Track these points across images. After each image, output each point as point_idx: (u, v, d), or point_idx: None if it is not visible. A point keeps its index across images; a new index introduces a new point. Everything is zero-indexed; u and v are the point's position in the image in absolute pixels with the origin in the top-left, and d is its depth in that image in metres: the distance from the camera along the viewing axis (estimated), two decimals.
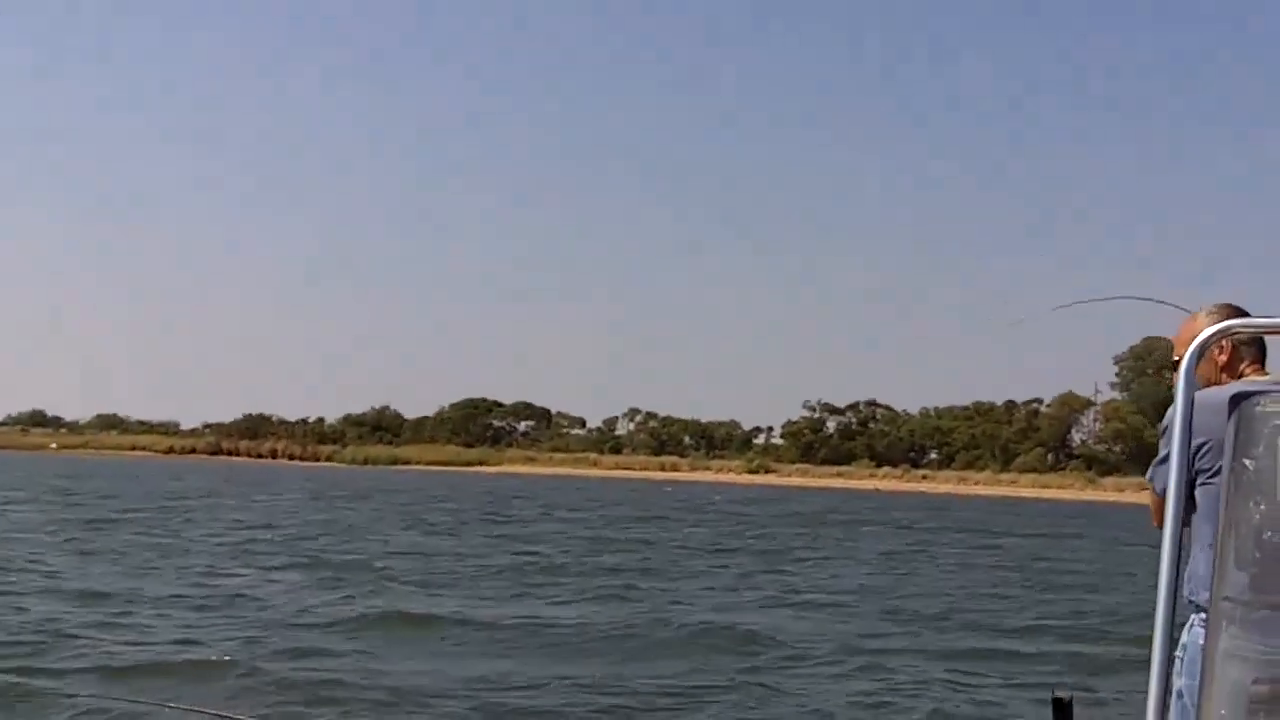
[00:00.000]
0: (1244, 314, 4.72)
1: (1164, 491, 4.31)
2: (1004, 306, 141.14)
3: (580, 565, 27.80)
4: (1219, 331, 3.00)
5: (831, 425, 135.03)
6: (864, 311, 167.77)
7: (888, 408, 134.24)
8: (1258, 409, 3.02)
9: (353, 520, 41.62)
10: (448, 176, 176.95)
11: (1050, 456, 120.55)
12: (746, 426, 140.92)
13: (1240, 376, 4.76)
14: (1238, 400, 3.14)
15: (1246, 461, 2.97)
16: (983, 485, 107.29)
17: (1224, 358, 4.88)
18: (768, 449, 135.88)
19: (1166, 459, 4.52)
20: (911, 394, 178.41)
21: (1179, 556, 2.89)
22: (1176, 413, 2.99)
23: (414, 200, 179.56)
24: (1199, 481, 4.36)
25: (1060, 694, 3.93)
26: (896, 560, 32.95)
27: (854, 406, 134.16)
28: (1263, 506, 2.91)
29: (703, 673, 14.57)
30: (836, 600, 22.73)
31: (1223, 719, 2.88)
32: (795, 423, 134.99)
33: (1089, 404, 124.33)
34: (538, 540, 35.14)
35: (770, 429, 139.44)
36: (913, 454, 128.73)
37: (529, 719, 12.00)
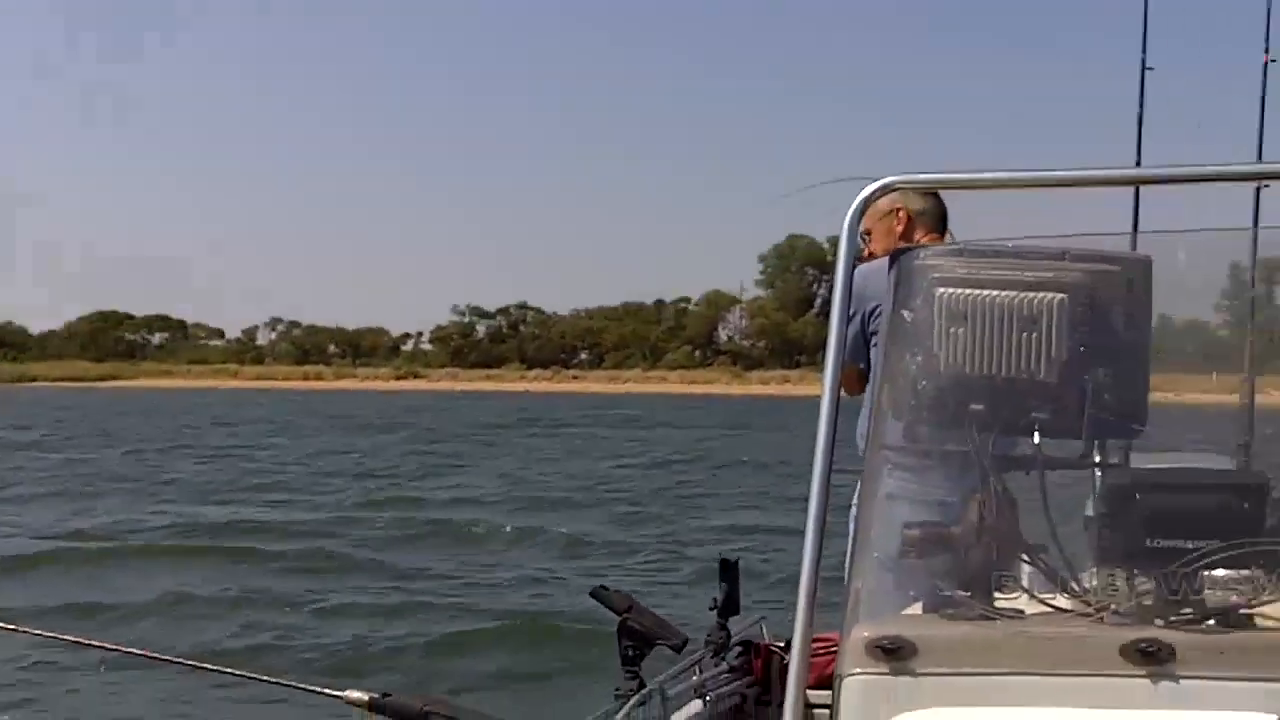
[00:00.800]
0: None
1: (850, 361, 4.49)
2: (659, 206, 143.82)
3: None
4: (880, 188, 3.05)
5: (481, 329, 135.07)
6: (513, 214, 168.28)
7: (538, 310, 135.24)
8: (916, 261, 3.10)
9: None
10: None
11: (698, 354, 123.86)
12: (395, 334, 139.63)
13: (916, 243, 4.96)
14: (897, 255, 3.23)
15: (905, 313, 3.04)
16: (633, 383, 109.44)
17: (900, 228, 5.09)
18: (416, 355, 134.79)
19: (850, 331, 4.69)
20: (562, 295, 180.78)
21: (836, 411, 2.92)
22: (837, 272, 3.03)
23: None
24: (873, 343, 4.52)
25: (726, 556, 4.10)
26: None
27: (504, 310, 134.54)
28: (919, 357, 2.98)
29: None
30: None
31: (875, 560, 2.98)
32: (444, 328, 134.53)
33: (735, 301, 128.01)
34: None
35: (420, 335, 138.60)
36: (564, 355, 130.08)
37: None
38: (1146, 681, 2.61)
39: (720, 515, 21.53)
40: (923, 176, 3.34)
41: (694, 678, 4.15)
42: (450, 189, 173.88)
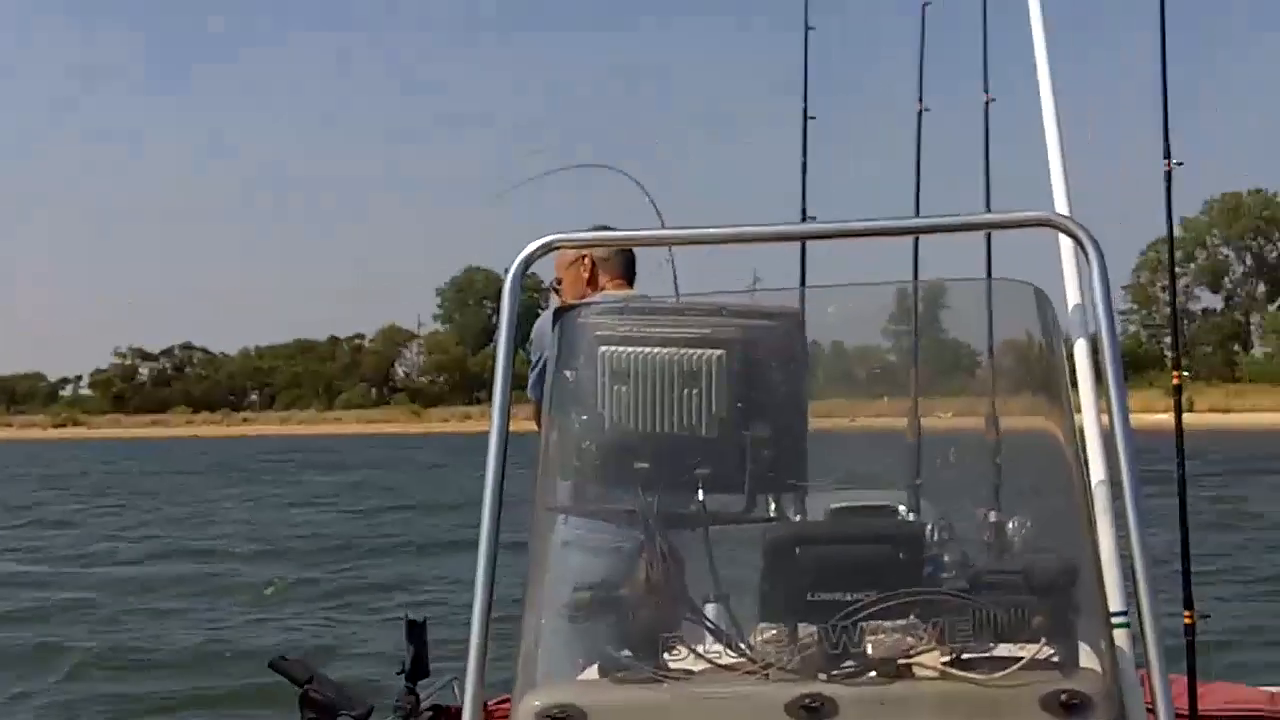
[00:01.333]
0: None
1: (539, 398, 4.45)
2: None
3: None
4: (541, 247, 3.06)
5: (145, 372, 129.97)
6: (178, 252, 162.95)
7: (204, 350, 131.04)
8: (578, 321, 3.10)
9: None
10: None
11: (375, 391, 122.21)
12: (52, 378, 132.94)
13: (601, 290, 5.02)
14: (559, 315, 3.22)
15: (567, 373, 3.04)
16: (308, 424, 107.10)
17: (586, 274, 5.14)
18: (76, 400, 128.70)
19: (540, 369, 4.67)
20: (229, 334, 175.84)
21: (503, 474, 2.90)
22: (501, 322, 3.01)
23: None
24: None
25: (413, 617, 3.98)
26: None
27: (168, 351, 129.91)
28: (584, 416, 2.97)
29: None
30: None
31: (544, 624, 2.95)
32: (105, 371, 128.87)
33: (413, 337, 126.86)
34: None
35: (79, 379, 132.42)
36: (233, 397, 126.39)
37: None
38: None
39: (417, 564, 20.97)
40: (582, 235, 3.35)
41: None
42: (105, 224, 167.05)
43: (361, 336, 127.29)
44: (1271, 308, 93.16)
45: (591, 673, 2.89)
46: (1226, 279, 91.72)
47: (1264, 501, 26.28)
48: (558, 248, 3.22)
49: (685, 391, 2.88)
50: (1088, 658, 2.74)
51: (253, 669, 10.67)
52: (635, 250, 5.16)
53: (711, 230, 3.07)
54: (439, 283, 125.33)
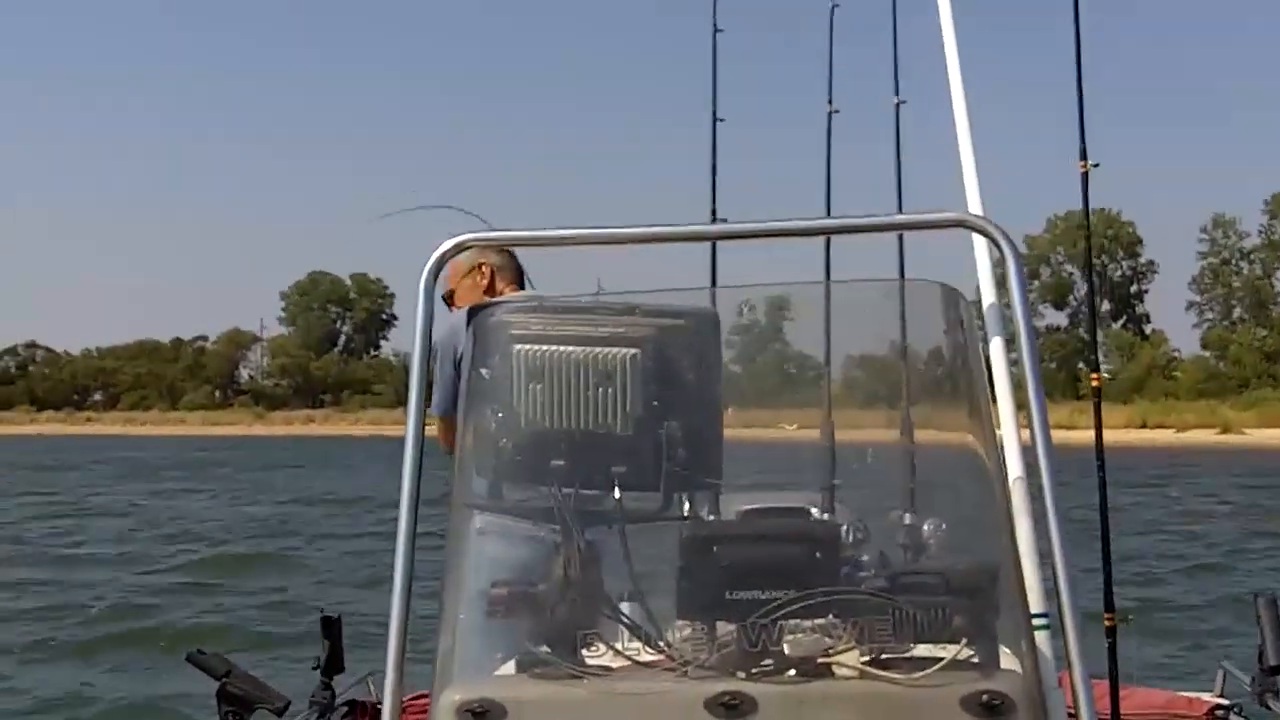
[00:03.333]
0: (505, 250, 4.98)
1: (443, 412, 4.44)
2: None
3: None
4: (455, 245, 3.05)
5: None
6: (15, 247, 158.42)
7: (48, 349, 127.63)
8: (493, 319, 3.08)
9: None
10: None
11: (219, 393, 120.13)
12: None
13: (500, 295, 5.01)
14: (473, 313, 3.19)
15: (483, 371, 3.03)
16: (151, 425, 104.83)
17: (485, 282, 5.14)
18: None
19: (444, 384, 4.65)
20: (72, 333, 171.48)
21: (420, 462, 2.89)
22: (416, 328, 2.97)
23: None
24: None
25: (328, 612, 3.99)
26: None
27: (12, 350, 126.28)
28: (500, 414, 2.96)
29: None
30: None
31: (462, 620, 2.93)
32: None
33: (255, 339, 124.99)
34: None
35: None
36: (76, 396, 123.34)
37: None
38: None
39: (327, 561, 20.69)
40: (495, 234, 3.34)
41: None
42: None
43: (204, 338, 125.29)
44: (1115, 325, 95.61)
45: (509, 668, 2.88)
46: (1071, 296, 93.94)
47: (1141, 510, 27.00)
48: (470, 246, 3.21)
49: (600, 390, 2.89)
50: (1008, 659, 2.76)
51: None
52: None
53: (624, 230, 3.06)
54: (282, 286, 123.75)
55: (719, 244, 4.14)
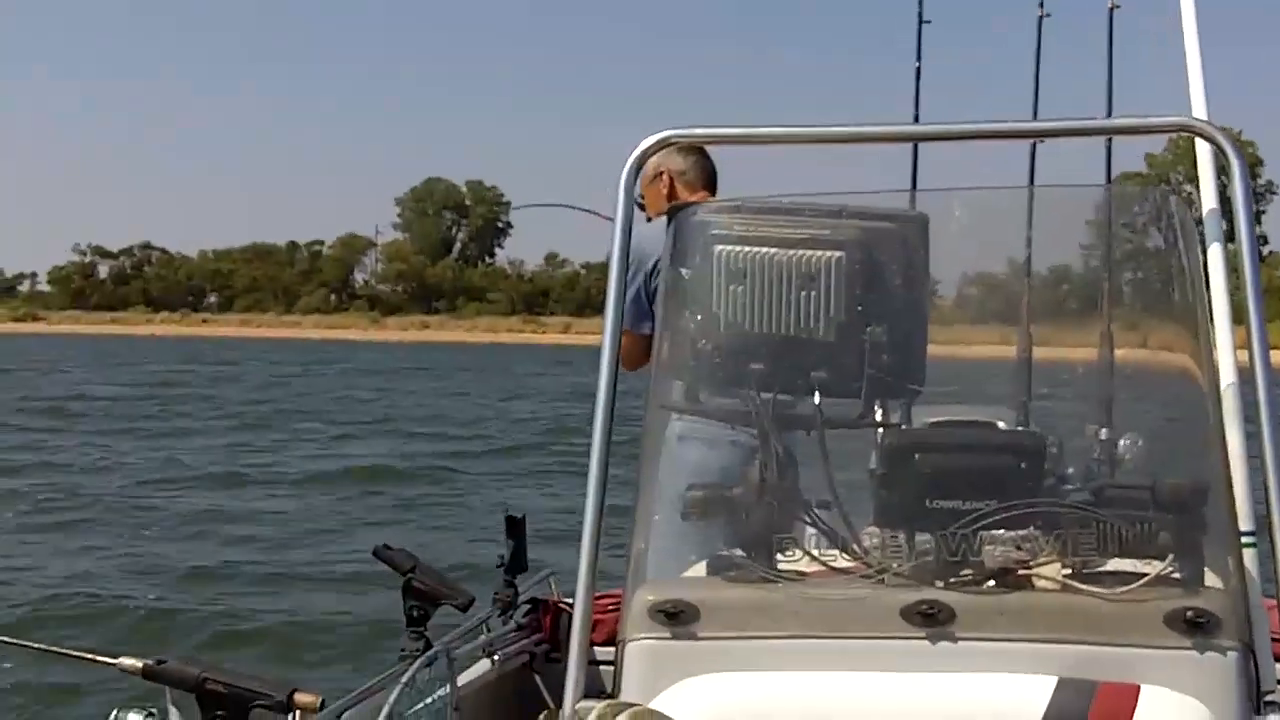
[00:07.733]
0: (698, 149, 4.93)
1: (633, 328, 4.29)
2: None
3: None
4: (657, 142, 2.96)
5: (104, 270, 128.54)
6: (135, 150, 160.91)
7: (163, 250, 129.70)
8: (694, 219, 3.05)
9: None
10: None
11: (334, 297, 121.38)
12: (9, 273, 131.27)
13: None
14: (674, 212, 3.16)
15: (682, 271, 3.00)
16: (267, 328, 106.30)
17: (665, 190, 5.03)
18: (34, 296, 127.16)
19: (636, 294, 4.61)
20: (188, 235, 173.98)
21: (616, 371, 2.83)
22: (615, 230, 2.90)
23: None
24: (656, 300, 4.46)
25: (512, 512, 4.00)
26: None
27: (128, 250, 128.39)
28: (698, 316, 2.93)
29: None
30: None
31: (657, 522, 2.92)
32: (63, 268, 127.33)
33: (371, 245, 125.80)
34: None
35: (34, 275, 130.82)
36: (191, 298, 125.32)
37: None
38: (926, 643, 2.64)
39: (500, 466, 21.18)
40: (698, 131, 3.26)
41: (481, 636, 4.08)
42: (64, 119, 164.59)
43: (320, 243, 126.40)
44: (1231, 246, 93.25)
45: (700, 569, 2.89)
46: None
47: None
48: (673, 142, 3.14)
49: (802, 293, 2.84)
50: (1213, 578, 2.70)
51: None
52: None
53: (829, 129, 2.99)
54: (398, 192, 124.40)
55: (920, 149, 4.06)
